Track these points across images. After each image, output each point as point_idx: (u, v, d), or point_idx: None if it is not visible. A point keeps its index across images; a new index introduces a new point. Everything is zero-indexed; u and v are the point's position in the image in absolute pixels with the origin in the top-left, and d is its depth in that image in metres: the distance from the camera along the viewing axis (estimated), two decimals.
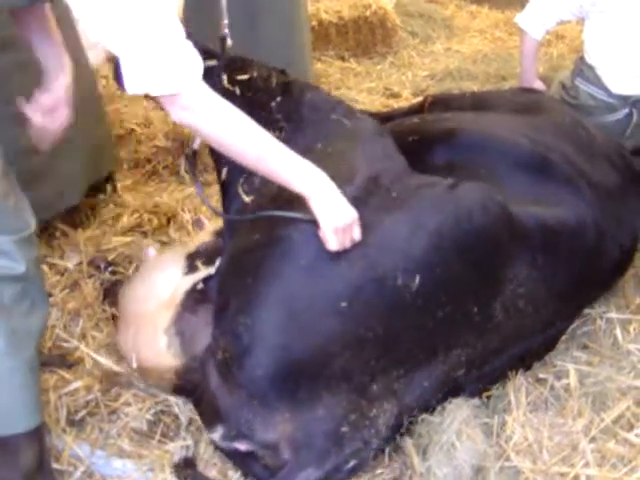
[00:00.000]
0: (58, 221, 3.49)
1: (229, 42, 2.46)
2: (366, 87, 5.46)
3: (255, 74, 2.76)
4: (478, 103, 3.42)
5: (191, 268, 2.54)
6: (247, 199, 2.51)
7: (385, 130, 2.78)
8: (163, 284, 2.53)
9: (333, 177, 2.14)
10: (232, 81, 2.67)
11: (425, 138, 2.87)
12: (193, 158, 2.49)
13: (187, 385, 2.41)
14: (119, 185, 3.92)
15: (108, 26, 1.87)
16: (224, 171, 2.67)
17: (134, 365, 2.51)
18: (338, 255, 2.12)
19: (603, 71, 3.71)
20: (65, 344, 2.83)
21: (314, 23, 5.85)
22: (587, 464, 2.32)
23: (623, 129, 3.71)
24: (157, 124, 4.37)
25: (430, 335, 2.24)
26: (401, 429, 2.31)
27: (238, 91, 2.66)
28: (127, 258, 3.28)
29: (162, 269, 2.64)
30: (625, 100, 3.69)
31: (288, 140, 2.29)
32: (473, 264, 2.28)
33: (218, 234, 2.75)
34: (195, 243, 2.76)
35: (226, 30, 2.43)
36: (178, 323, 2.37)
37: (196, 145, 2.47)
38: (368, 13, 5.93)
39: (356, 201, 2.18)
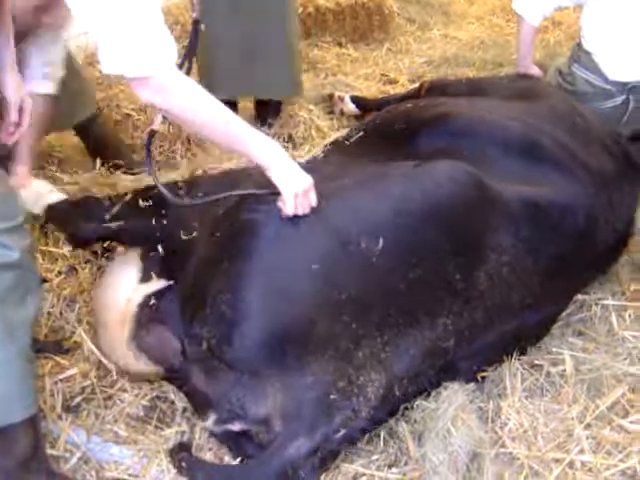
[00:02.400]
0: None
1: (202, 27, 2.47)
2: (363, 73, 5.44)
3: None
4: (474, 89, 3.43)
5: (145, 276, 2.54)
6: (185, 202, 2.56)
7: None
8: (120, 290, 2.52)
9: None
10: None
11: (416, 123, 2.91)
12: (149, 139, 2.48)
13: (174, 382, 2.46)
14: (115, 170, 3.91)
15: (89, 6, 1.93)
16: None
17: (115, 369, 2.56)
18: (300, 222, 2.24)
19: (600, 57, 3.70)
20: (61, 330, 2.82)
21: (311, 9, 5.84)
22: (582, 450, 2.34)
23: (620, 115, 3.71)
24: (153, 110, 4.34)
25: (407, 298, 2.29)
26: (393, 403, 2.32)
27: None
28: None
29: (120, 272, 2.62)
30: (622, 86, 3.68)
31: None
32: (445, 230, 2.35)
33: None
34: None
35: (198, 13, 2.43)
36: (136, 339, 2.40)
37: (155, 126, 2.47)
38: None
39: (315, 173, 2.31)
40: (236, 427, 2.26)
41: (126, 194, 2.90)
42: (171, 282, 2.48)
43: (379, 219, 2.29)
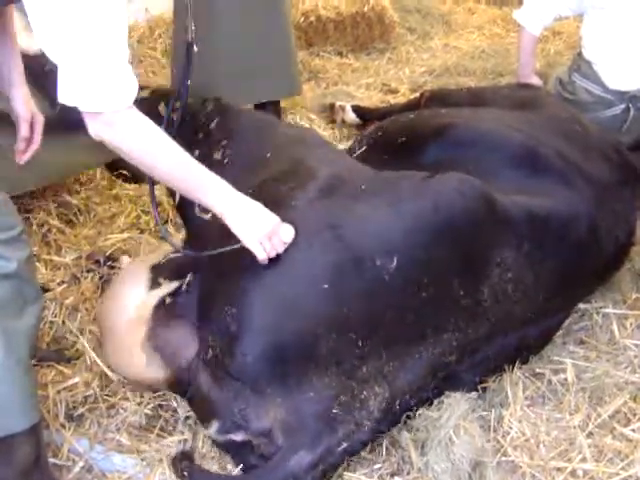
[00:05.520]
0: (53, 218, 3.50)
1: (195, 49, 2.48)
2: (364, 83, 5.46)
3: (188, 101, 2.87)
4: (475, 99, 3.44)
5: (155, 283, 2.54)
6: (207, 217, 2.55)
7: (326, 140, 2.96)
8: (129, 299, 2.52)
9: (292, 178, 2.30)
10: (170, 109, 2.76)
11: (418, 135, 2.91)
12: (153, 187, 2.46)
13: (179, 389, 2.45)
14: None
15: (55, 36, 1.92)
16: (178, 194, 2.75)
17: (120, 378, 2.58)
18: (311, 240, 2.20)
19: (600, 67, 3.72)
20: (63, 339, 2.83)
21: (312, 19, 5.86)
22: (584, 459, 2.34)
23: (620, 124, 3.72)
24: None
25: (416, 316, 2.27)
26: (394, 415, 2.32)
27: (177, 118, 2.70)
28: (125, 253, 3.28)
29: (128, 283, 2.62)
30: (622, 95, 3.70)
31: (233, 155, 2.33)
32: (454, 246, 2.32)
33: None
34: (160, 253, 2.74)
35: (192, 36, 2.44)
36: (153, 339, 2.39)
37: None
38: (366, 9, 5.93)
39: (321, 193, 2.30)
40: (238, 437, 2.26)
41: None
42: (186, 278, 2.47)
43: (392, 236, 2.26)
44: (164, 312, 2.42)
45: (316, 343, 2.16)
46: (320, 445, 2.13)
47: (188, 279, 2.46)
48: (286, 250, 2.19)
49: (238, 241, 2.19)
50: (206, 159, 2.63)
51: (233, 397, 2.23)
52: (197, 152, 2.79)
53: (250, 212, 2.17)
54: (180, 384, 2.41)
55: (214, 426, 2.28)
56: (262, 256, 2.16)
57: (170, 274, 2.53)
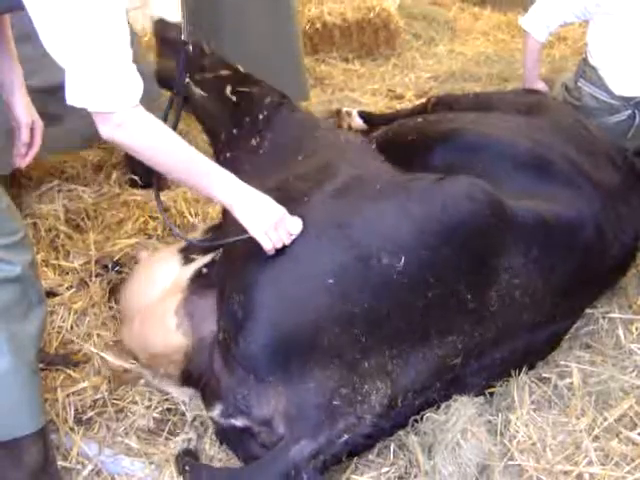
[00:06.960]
0: (61, 224, 3.52)
1: (190, 48, 2.49)
2: (370, 89, 5.49)
3: (254, 90, 3.03)
4: (481, 104, 3.45)
5: (187, 260, 2.62)
6: None
7: (369, 142, 3.01)
8: (163, 276, 2.60)
9: (313, 177, 2.39)
10: (234, 91, 2.94)
11: (426, 139, 2.93)
12: (158, 183, 2.52)
13: (194, 370, 2.46)
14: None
15: (60, 40, 1.96)
16: None
17: (142, 355, 2.58)
18: (320, 235, 2.26)
19: (606, 72, 3.73)
20: (71, 344, 2.85)
21: (318, 25, 5.90)
22: (590, 463, 2.34)
23: (625, 130, 3.73)
24: None
25: (420, 316, 2.30)
26: (399, 415, 2.33)
27: (235, 99, 2.88)
28: (133, 258, 3.30)
29: (159, 264, 2.69)
30: (628, 101, 3.71)
31: (268, 148, 2.60)
32: (462, 249, 2.34)
33: (207, 232, 2.92)
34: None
35: (187, 34, 2.45)
36: (187, 305, 2.44)
37: None
38: (371, 15, 5.97)
39: (336, 192, 2.37)
40: (239, 423, 2.29)
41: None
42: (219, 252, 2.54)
43: (401, 236, 2.29)
44: (201, 281, 2.49)
45: (319, 335, 2.19)
46: (321, 435, 2.15)
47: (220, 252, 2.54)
48: (295, 243, 2.24)
49: (246, 232, 2.24)
50: (242, 141, 2.82)
51: (237, 382, 2.26)
52: (235, 131, 2.93)
53: (256, 203, 2.23)
54: (197, 360, 2.43)
55: (217, 409, 2.32)
56: (268, 246, 2.21)
57: (201, 251, 2.61)
